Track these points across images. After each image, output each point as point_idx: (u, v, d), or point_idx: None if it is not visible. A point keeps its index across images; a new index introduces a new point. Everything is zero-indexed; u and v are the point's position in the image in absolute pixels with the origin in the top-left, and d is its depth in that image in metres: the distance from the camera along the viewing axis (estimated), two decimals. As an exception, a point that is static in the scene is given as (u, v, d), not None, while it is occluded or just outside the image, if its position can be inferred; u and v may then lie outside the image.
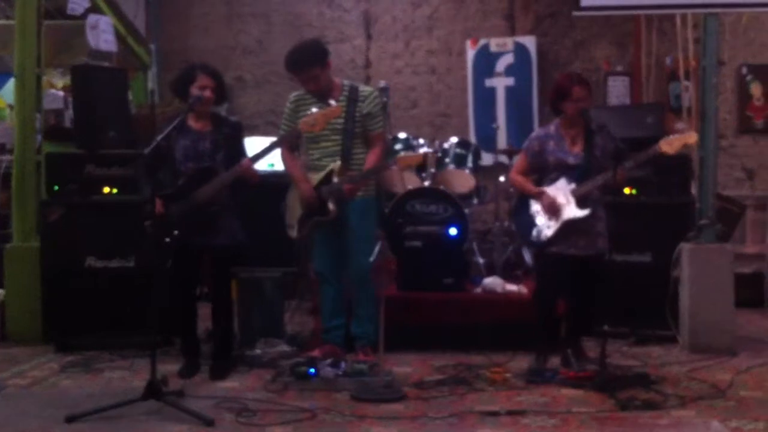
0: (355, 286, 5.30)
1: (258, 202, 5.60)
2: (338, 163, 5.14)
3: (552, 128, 5.14)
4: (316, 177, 5.19)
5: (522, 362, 5.21)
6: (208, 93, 5.05)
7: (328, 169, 5.15)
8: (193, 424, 4.13)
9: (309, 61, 5.12)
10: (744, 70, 8.06)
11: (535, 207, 5.10)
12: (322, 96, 5.15)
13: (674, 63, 7.67)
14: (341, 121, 5.12)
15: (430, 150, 6.61)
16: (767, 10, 6.74)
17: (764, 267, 7.23)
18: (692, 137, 5.04)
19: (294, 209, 5.26)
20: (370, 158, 5.22)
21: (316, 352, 5.22)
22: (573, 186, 4.99)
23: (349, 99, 5.18)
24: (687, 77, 7.43)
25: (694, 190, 5.98)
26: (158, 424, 4.16)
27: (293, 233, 5.29)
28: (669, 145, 4.89)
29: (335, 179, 5.09)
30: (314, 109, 5.00)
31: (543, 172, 5.16)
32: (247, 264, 5.71)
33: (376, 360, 4.93)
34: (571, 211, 4.97)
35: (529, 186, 5.15)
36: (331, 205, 5.08)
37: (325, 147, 5.22)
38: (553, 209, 4.99)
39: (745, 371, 5.13)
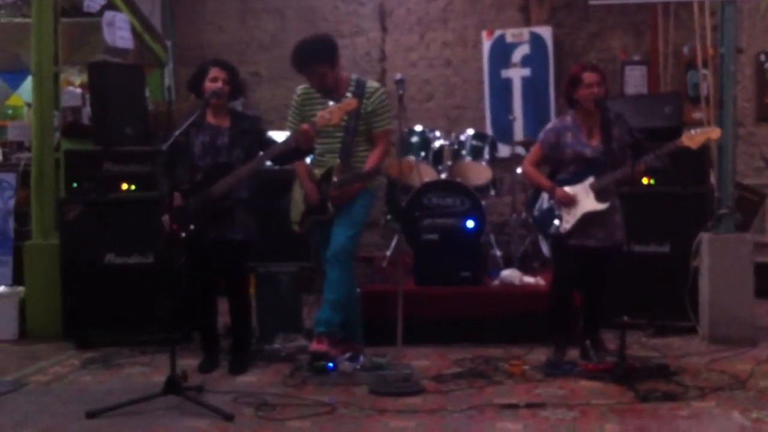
0: (327, 266, 5.07)
1: (274, 197, 5.61)
2: (338, 161, 5.07)
3: (569, 119, 5.10)
4: (317, 173, 5.14)
5: (540, 355, 5.19)
6: (219, 84, 5.06)
7: (328, 166, 5.08)
8: (213, 419, 4.16)
9: (314, 60, 5.00)
10: (762, 58, 7.96)
11: (553, 200, 5.07)
12: (328, 92, 5.09)
13: (692, 51, 7.60)
14: (345, 117, 4.99)
15: (418, 157, 6.59)
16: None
17: (784, 256, 7.17)
18: (715, 132, 4.98)
19: (298, 205, 5.23)
20: (372, 158, 5.10)
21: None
22: (591, 179, 4.96)
23: (355, 95, 5.03)
24: (705, 66, 7.35)
25: (712, 180, 5.94)
26: (178, 419, 4.19)
27: (296, 228, 5.27)
28: (691, 140, 4.84)
29: (335, 178, 5.05)
30: (327, 103, 4.96)
31: (559, 164, 5.13)
32: (264, 259, 5.72)
33: (326, 350, 4.89)
34: (590, 204, 4.94)
35: (543, 180, 5.12)
36: (329, 204, 5.05)
37: (328, 143, 5.14)
38: (567, 202, 4.96)
39: (765, 361, 5.10)
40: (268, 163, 5.20)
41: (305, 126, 4.87)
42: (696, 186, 5.92)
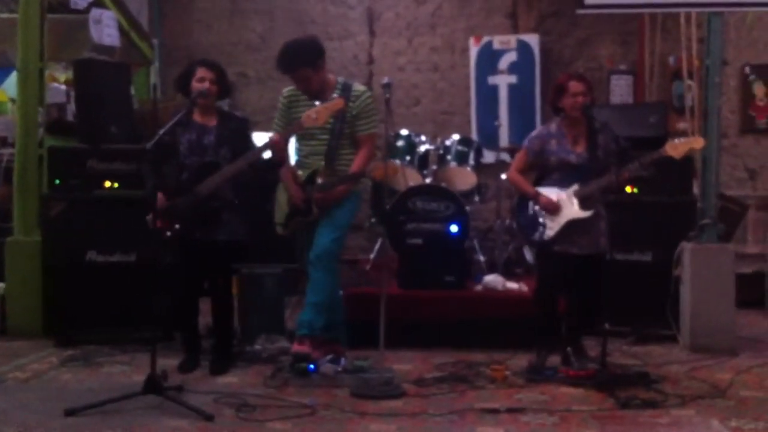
0: (310, 268, 5.05)
1: (259, 198, 5.60)
2: (322, 164, 5.05)
3: (553, 127, 5.12)
4: (302, 175, 5.12)
5: (522, 360, 5.20)
6: (206, 84, 5.05)
7: (313, 169, 5.07)
8: (193, 419, 4.13)
9: (298, 63, 4.98)
10: (747, 70, 8.05)
11: (537, 206, 5.09)
12: (314, 95, 5.07)
13: (678, 62, 7.65)
14: (331, 119, 4.98)
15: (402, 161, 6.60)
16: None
17: (765, 267, 7.22)
18: (699, 142, 5.02)
19: (282, 207, 5.21)
20: (357, 161, 5.07)
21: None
22: (576, 186, 4.97)
23: (341, 97, 4.99)
24: (690, 76, 7.41)
25: (696, 190, 5.98)
26: (158, 419, 4.16)
27: (280, 230, 5.26)
28: (674, 149, 4.87)
29: (319, 180, 5.04)
30: (312, 106, 4.95)
31: (544, 171, 5.15)
32: (248, 260, 5.70)
33: (308, 351, 4.88)
34: (574, 211, 4.96)
35: (527, 187, 5.14)
36: (314, 208, 5.04)
37: (313, 146, 5.11)
38: (551, 209, 4.98)
39: (745, 371, 5.13)
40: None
41: (275, 137, 4.89)
42: (679, 196, 5.96)
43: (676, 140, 4.93)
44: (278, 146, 4.92)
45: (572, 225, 4.96)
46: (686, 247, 5.67)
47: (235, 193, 5.13)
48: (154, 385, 4.30)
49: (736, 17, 7.69)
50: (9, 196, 6.44)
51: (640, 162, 4.92)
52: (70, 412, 4.18)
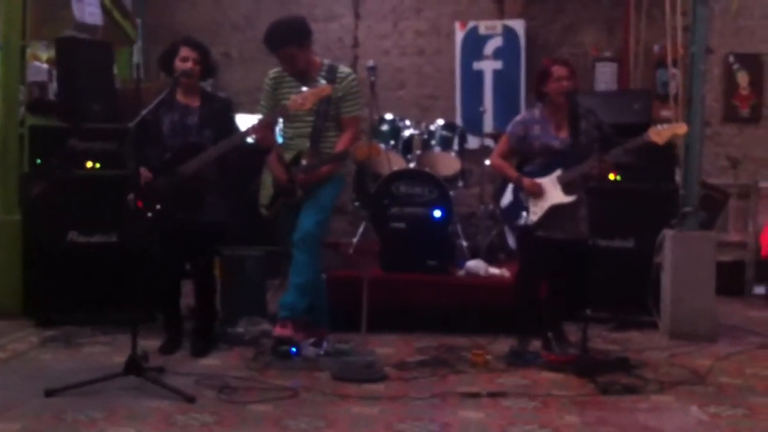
0: (294, 250, 5.01)
1: (242, 180, 5.57)
2: (307, 145, 5.03)
3: (537, 112, 5.13)
4: (287, 157, 5.09)
5: (503, 345, 5.22)
6: (189, 64, 5.01)
7: (298, 150, 5.04)
8: (174, 401, 4.12)
9: (285, 40, 4.96)
10: (731, 59, 8.08)
11: (521, 191, 5.09)
12: (299, 75, 5.04)
13: (662, 50, 7.66)
14: (318, 101, 4.95)
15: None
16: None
17: (746, 255, 7.28)
18: (682, 128, 5.04)
19: (267, 189, 5.18)
20: (341, 142, 5.05)
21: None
22: (559, 172, 4.98)
23: (326, 80, 5.00)
24: (675, 64, 7.42)
25: (678, 178, 6.00)
26: (138, 400, 4.15)
27: (264, 212, 5.24)
28: (658, 135, 4.88)
29: (303, 161, 5.01)
30: (300, 88, 4.93)
31: (526, 157, 5.15)
32: (231, 242, 5.68)
33: (290, 334, 4.88)
34: (558, 196, 4.97)
35: (510, 171, 5.15)
36: (298, 189, 5.02)
37: (298, 127, 5.09)
38: (535, 192, 4.99)
39: (724, 358, 5.17)
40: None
41: (257, 126, 4.87)
42: (662, 183, 5.99)
43: (660, 126, 4.95)
44: (260, 135, 4.90)
45: (555, 210, 4.98)
46: (668, 235, 5.70)
47: (218, 174, 5.10)
48: (134, 366, 4.28)
49: (721, 6, 7.70)
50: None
51: (624, 147, 4.94)
52: (50, 393, 4.16)
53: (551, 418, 4.04)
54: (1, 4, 6.20)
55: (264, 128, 4.95)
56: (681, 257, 5.62)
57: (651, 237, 5.80)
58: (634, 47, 8.01)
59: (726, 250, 6.92)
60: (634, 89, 7.77)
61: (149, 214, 4.86)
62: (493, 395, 4.33)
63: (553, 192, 4.99)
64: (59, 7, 7.18)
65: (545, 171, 5.03)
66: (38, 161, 5.90)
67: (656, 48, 7.95)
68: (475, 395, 4.33)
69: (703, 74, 5.83)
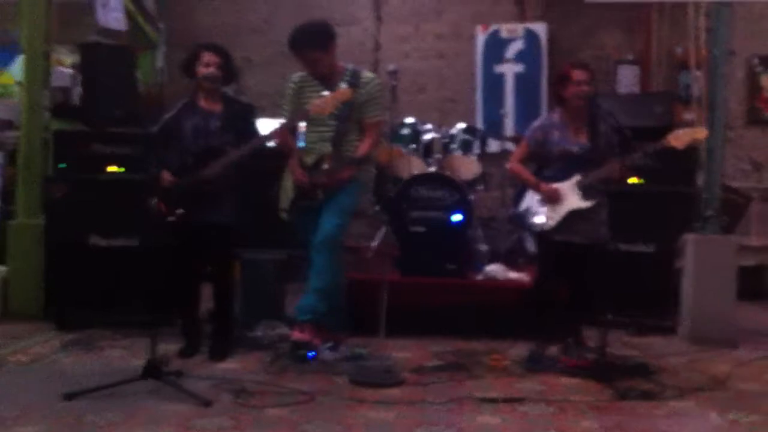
0: (313, 254, 5.02)
1: (263, 183, 5.60)
2: (329, 149, 5.05)
3: (556, 117, 5.11)
4: (308, 161, 5.12)
5: (522, 350, 5.21)
6: (212, 69, 5.05)
7: (319, 154, 5.06)
8: (191, 404, 4.15)
9: (310, 43, 5.01)
10: (755, 61, 8.00)
11: (538, 196, 5.08)
12: (322, 79, 5.09)
13: (684, 52, 7.60)
14: (339, 106, 4.98)
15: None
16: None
17: (767, 260, 7.21)
18: (702, 132, 4.99)
19: (287, 192, 5.21)
20: (362, 147, 5.08)
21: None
22: (578, 176, 4.96)
23: (350, 84, 5.02)
24: (697, 67, 7.36)
25: (700, 181, 5.96)
26: (156, 403, 4.17)
27: (285, 216, 5.26)
28: (677, 140, 4.83)
29: (325, 165, 5.03)
30: (322, 92, 4.95)
31: (546, 161, 5.13)
32: (250, 245, 5.71)
33: (308, 339, 4.88)
34: (576, 201, 4.95)
35: (528, 176, 5.13)
36: (319, 192, 5.05)
37: (320, 131, 5.10)
38: (553, 198, 4.97)
39: (745, 364, 5.13)
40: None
41: (278, 131, 4.91)
42: (683, 186, 5.95)
43: (679, 131, 4.91)
44: (281, 139, 4.91)
45: (574, 215, 4.96)
46: (689, 239, 5.65)
47: (238, 178, 5.13)
48: (153, 369, 4.32)
49: (744, 7, 7.63)
50: (14, 178, 6.45)
51: (643, 152, 4.91)
52: (70, 396, 4.20)
53: (568, 423, 4.03)
54: (24, 10, 6.28)
55: (284, 133, 4.98)
56: (701, 261, 5.58)
57: (672, 241, 5.76)
58: (656, 49, 7.97)
59: (748, 254, 6.87)
60: (656, 92, 7.74)
61: (171, 218, 4.90)
62: (510, 400, 4.31)
63: (572, 197, 4.97)
64: (83, 13, 7.25)
65: (564, 176, 5.00)
66: (61, 165, 5.97)
67: (678, 50, 7.89)
68: (493, 400, 4.31)
69: (726, 77, 5.81)
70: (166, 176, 4.93)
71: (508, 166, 5.46)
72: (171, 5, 8.71)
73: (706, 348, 5.41)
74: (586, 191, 4.94)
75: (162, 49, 8.40)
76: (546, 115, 5.36)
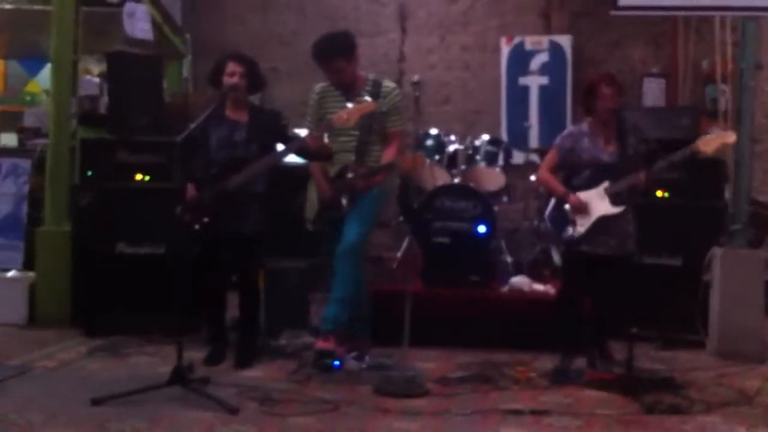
0: (336, 263, 5.03)
1: (289, 193, 5.62)
2: (352, 159, 5.07)
3: (585, 126, 5.10)
4: (331, 171, 5.13)
5: (547, 362, 5.17)
6: (236, 79, 5.08)
7: (342, 164, 5.08)
8: (217, 412, 4.16)
9: (333, 53, 5.05)
10: (781, 75, 7.93)
11: (566, 206, 5.07)
12: (345, 89, 5.11)
13: (711, 66, 7.57)
14: (363, 117, 4.98)
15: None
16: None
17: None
18: (731, 137, 4.96)
19: (312, 203, 5.24)
20: (386, 154, 5.10)
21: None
22: (607, 183, 4.95)
23: (371, 94, 5.05)
24: (724, 81, 7.32)
25: (727, 194, 5.92)
26: (182, 411, 4.19)
27: (310, 227, 5.28)
28: (706, 144, 4.80)
29: (349, 175, 5.04)
30: (344, 104, 4.97)
31: (575, 169, 5.12)
32: (275, 254, 5.72)
33: (332, 348, 4.87)
34: (605, 207, 4.93)
35: (557, 185, 5.12)
36: (343, 200, 5.05)
37: (343, 141, 5.13)
38: (581, 209, 4.95)
39: (773, 379, 5.07)
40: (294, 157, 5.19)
41: (308, 138, 4.94)
42: (710, 200, 5.90)
43: (707, 136, 4.88)
44: (315, 148, 4.97)
45: (602, 223, 4.93)
46: (716, 252, 5.61)
47: (266, 186, 5.14)
48: (179, 376, 4.34)
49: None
50: (41, 186, 6.51)
51: (671, 158, 4.87)
52: (96, 402, 4.22)
53: (594, 437, 4.01)
54: (53, 20, 6.35)
55: (316, 138, 5.02)
56: (729, 275, 5.53)
57: (699, 255, 5.71)
58: (683, 63, 7.93)
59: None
60: (682, 105, 7.69)
61: (197, 227, 4.92)
62: (535, 413, 4.29)
63: (600, 204, 4.95)
64: (111, 22, 7.31)
65: (593, 183, 4.99)
66: (88, 173, 6.02)
67: (705, 64, 7.85)
68: (518, 412, 4.29)
69: (753, 90, 5.76)
70: (190, 189, 4.96)
71: (536, 175, 5.45)
72: (199, 17, 8.78)
73: (734, 363, 5.35)
74: (614, 198, 4.92)
75: (189, 59, 8.46)
76: (575, 125, 5.35)
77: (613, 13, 6.08)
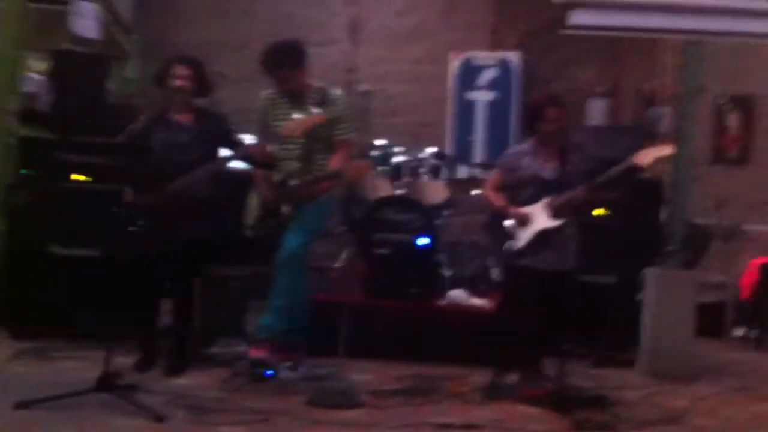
0: (275, 271, 5.00)
1: (229, 199, 5.57)
2: (297, 166, 5.07)
3: (527, 146, 5.16)
4: (276, 178, 5.13)
5: (482, 377, 5.17)
6: (182, 81, 5.03)
7: (286, 171, 5.07)
8: (145, 419, 4.09)
9: (282, 62, 5.04)
10: (722, 100, 8.10)
11: (509, 221, 5.11)
12: (292, 97, 5.10)
13: (653, 88, 7.71)
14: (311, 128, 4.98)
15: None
16: (756, 40, 6.71)
17: (727, 297, 7.28)
18: (667, 150, 5.05)
19: (254, 209, 5.21)
20: (332, 164, 5.08)
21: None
22: (547, 199, 5.00)
23: (318, 103, 5.03)
24: (666, 103, 7.46)
25: (663, 216, 6.01)
26: (108, 417, 4.11)
27: (250, 233, 5.24)
28: (644, 156, 4.86)
29: (292, 182, 5.03)
30: (290, 112, 4.96)
31: (517, 187, 5.17)
32: (216, 261, 5.66)
33: (266, 357, 4.85)
34: (544, 221, 4.98)
35: (500, 201, 5.16)
36: (284, 208, 5.03)
37: (288, 149, 5.11)
38: (522, 220, 5.00)
39: (701, 399, 5.14)
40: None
41: (255, 149, 4.93)
42: (647, 220, 5.99)
43: (644, 150, 4.95)
44: (260, 156, 4.94)
45: (543, 237, 4.98)
46: (650, 272, 5.69)
47: (209, 192, 5.09)
48: (107, 382, 4.26)
49: (715, 46, 7.74)
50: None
51: (610, 173, 4.93)
52: (20, 406, 4.12)
53: (522, 452, 4.03)
54: (-2, 14, 6.23)
55: (262, 148, 4.99)
56: (661, 295, 5.62)
57: (634, 274, 5.79)
58: (626, 84, 8.06)
59: (708, 291, 6.92)
60: (626, 125, 7.82)
61: (132, 230, 4.84)
62: (467, 427, 4.29)
63: (541, 218, 5.00)
64: (58, 20, 7.21)
65: (535, 199, 5.05)
66: (23, 171, 5.89)
67: (646, 86, 7.99)
68: (449, 426, 4.29)
69: (693, 114, 5.86)
70: (128, 194, 4.88)
71: (483, 193, 5.50)
72: (148, 18, 8.69)
73: (664, 382, 5.43)
74: (555, 212, 4.97)
75: (136, 60, 8.36)
76: (518, 144, 5.42)
77: (563, 31, 6.15)
